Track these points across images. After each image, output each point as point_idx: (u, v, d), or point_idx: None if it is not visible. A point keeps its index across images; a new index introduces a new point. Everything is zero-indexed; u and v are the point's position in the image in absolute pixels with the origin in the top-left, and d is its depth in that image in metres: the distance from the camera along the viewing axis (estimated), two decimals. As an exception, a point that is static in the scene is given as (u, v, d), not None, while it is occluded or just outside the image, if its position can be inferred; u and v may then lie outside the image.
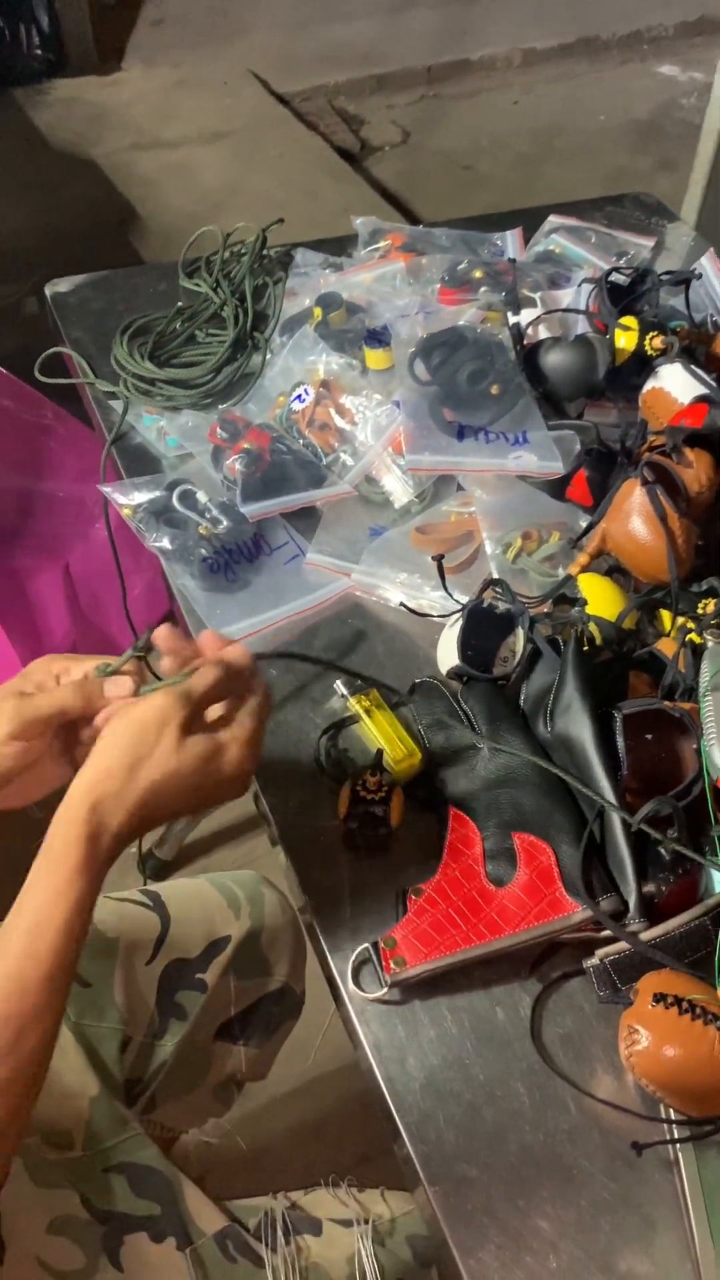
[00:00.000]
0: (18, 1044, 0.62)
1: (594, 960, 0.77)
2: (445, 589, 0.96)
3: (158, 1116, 1.07)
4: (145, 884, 1.17)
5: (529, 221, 1.50)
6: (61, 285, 1.38)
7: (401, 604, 0.99)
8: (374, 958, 0.77)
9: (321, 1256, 0.89)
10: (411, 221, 1.47)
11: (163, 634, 0.76)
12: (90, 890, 0.67)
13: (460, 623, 0.92)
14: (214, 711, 0.75)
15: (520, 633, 0.91)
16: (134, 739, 0.69)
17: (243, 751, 0.72)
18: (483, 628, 0.93)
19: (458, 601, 0.95)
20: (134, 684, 0.75)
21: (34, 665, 0.78)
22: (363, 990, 0.77)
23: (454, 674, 0.92)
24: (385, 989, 0.76)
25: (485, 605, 0.93)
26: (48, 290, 1.37)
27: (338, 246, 1.43)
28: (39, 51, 3.99)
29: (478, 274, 1.27)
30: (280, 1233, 0.90)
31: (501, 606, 0.93)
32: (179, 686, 0.71)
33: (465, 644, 0.92)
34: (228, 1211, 0.91)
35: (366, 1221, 0.92)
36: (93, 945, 0.97)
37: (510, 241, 1.46)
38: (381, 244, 1.41)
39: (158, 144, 3.76)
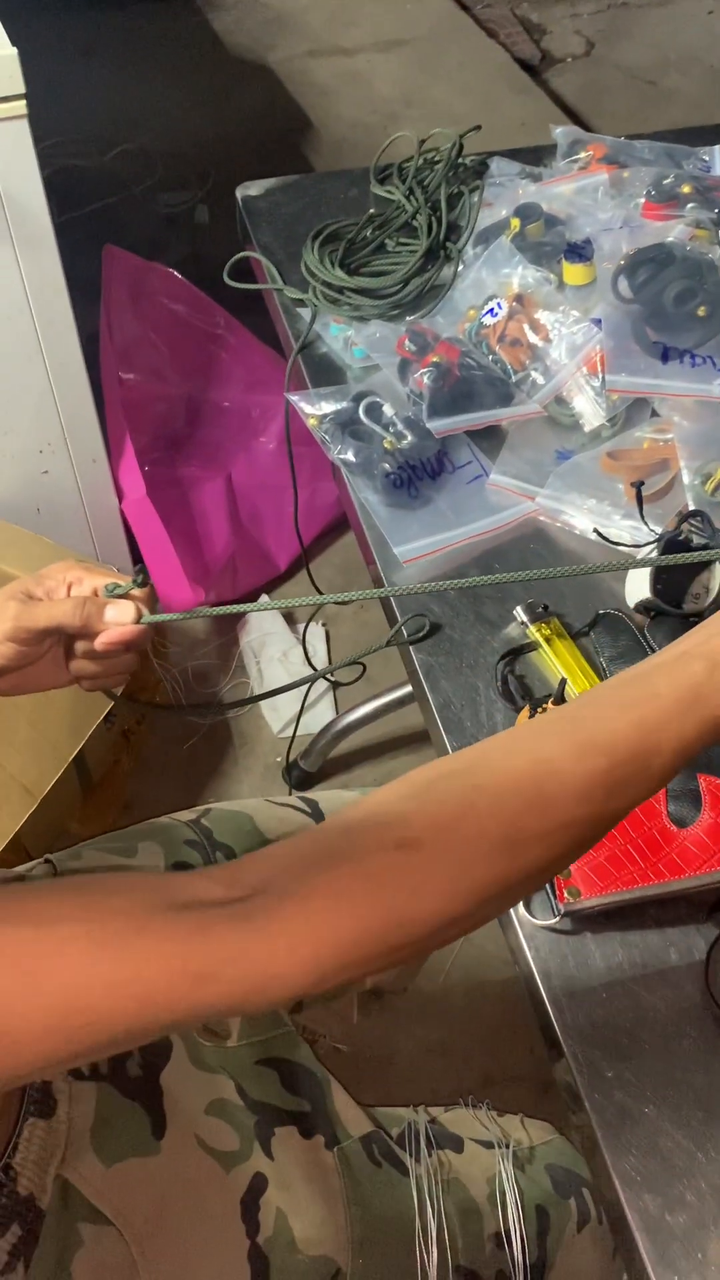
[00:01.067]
0: (519, 852, 0.55)
1: (776, 910, 0.74)
2: (642, 517, 0.92)
3: (302, 1018, 1.10)
4: (290, 794, 1.19)
5: (736, 136, 1.41)
6: (252, 188, 1.36)
7: (595, 530, 0.96)
8: (547, 886, 0.76)
9: (462, 1173, 0.90)
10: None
11: None
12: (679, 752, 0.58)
13: (654, 554, 0.88)
14: None
15: (718, 569, 0.88)
16: None
17: None
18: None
19: (653, 531, 0.92)
20: (137, 611, 0.74)
21: (51, 569, 0.78)
22: (534, 917, 0.76)
23: (642, 608, 0.89)
24: (557, 917, 0.75)
25: (681, 538, 0.89)
26: (239, 193, 1.36)
27: (534, 157, 1.38)
28: (220, -48, 3.92)
29: (686, 189, 1.20)
30: (423, 1144, 0.91)
31: (698, 540, 0.89)
32: None
33: (657, 577, 0.88)
34: (373, 1117, 0.93)
35: (507, 1145, 0.93)
36: (253, 844, 1.00)
37: (718, 156, 1.38)
38: (581, 155, 1.34)
39: (334, 51, 3.68)
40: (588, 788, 0.55)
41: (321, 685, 1.91)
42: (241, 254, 1.29)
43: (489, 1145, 0.93)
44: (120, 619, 0.74)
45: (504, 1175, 0.90)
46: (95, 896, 0.50)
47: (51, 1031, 0.46)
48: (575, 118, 3.49)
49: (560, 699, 0.83)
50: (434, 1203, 0.86)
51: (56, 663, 0.79)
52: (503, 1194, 0.89)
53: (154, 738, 1.87)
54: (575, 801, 0.55)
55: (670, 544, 0.88)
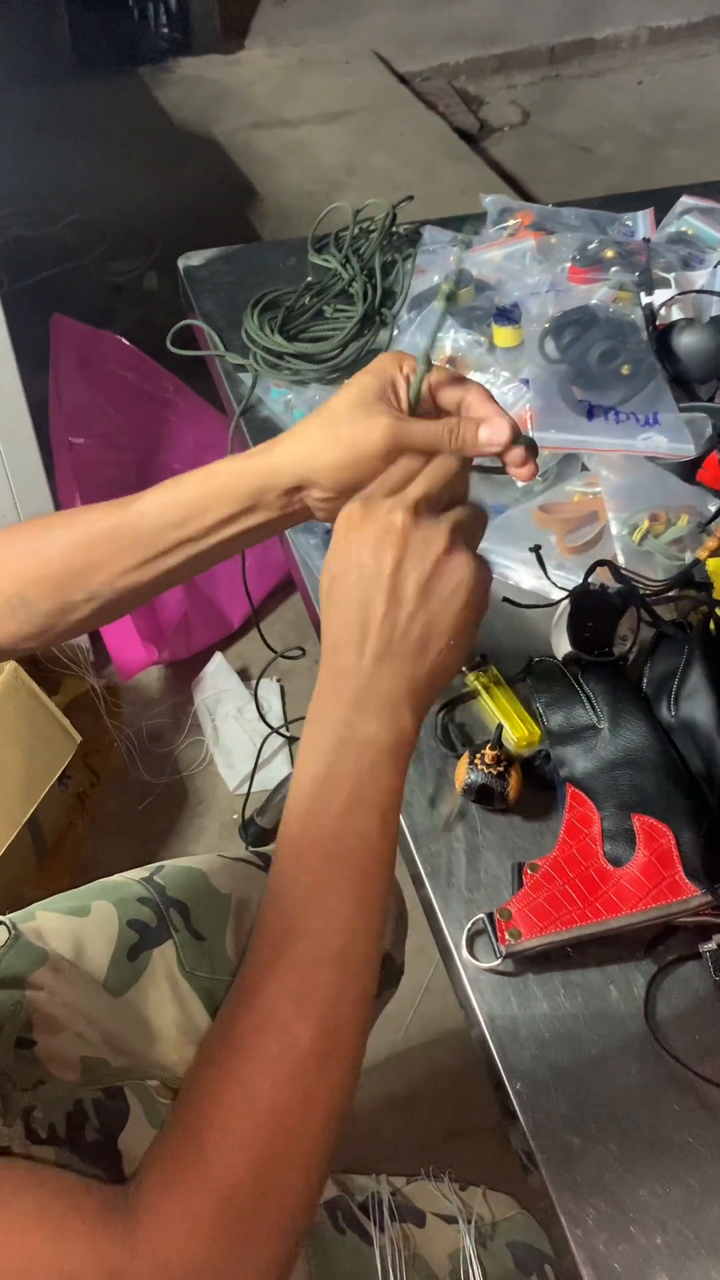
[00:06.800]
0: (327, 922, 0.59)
1: (711, 945, 0.76)
2: (547, 577, 0.96)
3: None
4: (246, 850, 1.19)
5: (660, 202, 1.47)
6: (194, 258, 1.40)
7: (505, 599, 0.99)
8: (489, 928, 0.78)
9: (424, 1248, 0.89)
10: (530, 203, 1.47)
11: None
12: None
13: (569, 609, 0.91)
14: None
15: (633, 613, 0.91)
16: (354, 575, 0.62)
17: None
18: (598, 608, 0.93)
19: (561, 589, 0.95)
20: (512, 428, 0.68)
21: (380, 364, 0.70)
22: (477, 960, 0.78)
23: (570, 660, 0.92)
24: (499, 959, 0.77)
25: (596, 587, 0.93)
26: (180, 263, 1.40)
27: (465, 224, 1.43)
28: (165, 30, 4.06)
29: (609, 253, 1.25)
30: (386, 1215, 0.91)
31: (612, 587, 0.93)
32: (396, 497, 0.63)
33: (579, 628, 0.92)
34: (338, 1182, 0.92)
35: (469, 1221, 0.93)
36: (207, 900, 1.00)
37: (641, 222, 1.44)
38: (510, 222, 1.40)
39: (278, 123, 3.79)
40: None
41: (276, 740, 1.92)
42: (184, 322, 1.32)
43: (451, 1220, 0.93)
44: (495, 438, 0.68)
45: (468, 1252, 0.90)
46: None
47: None
48: (514, 184, 3.62)
49: (498, 743, 0.86)
50: (397, 1273, 0.86)
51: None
52: (467, 1271, 0.88)
53: (109, 799, 1.87)
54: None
55: (579, 599, 0.91)
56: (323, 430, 0.69)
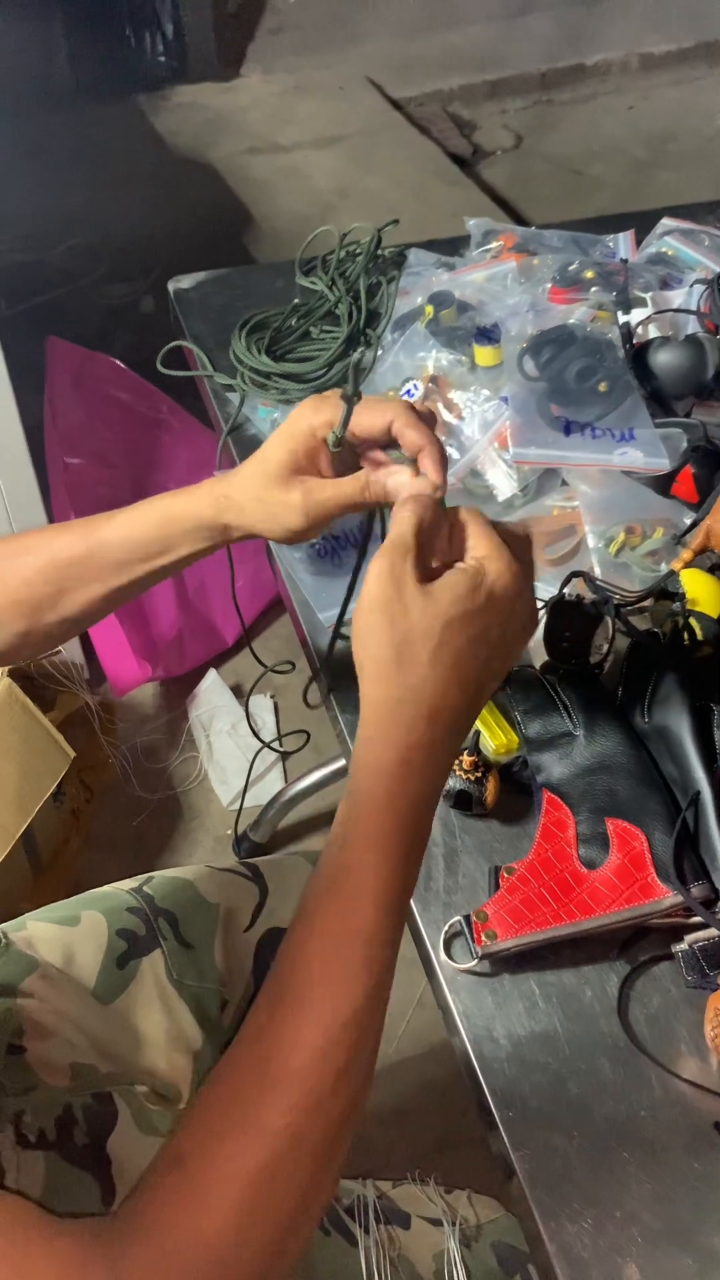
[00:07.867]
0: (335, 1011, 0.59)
1: (683, 945, 0.78)
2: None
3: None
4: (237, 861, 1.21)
5: (641, 224, 1.51)
6: (184, 281, 1.43)
7: None
8: (466, 930, 0.79)
9: (409, 1250, 0.91)
10: (521, 225, 1.50)
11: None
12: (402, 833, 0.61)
13: (545, 620, 0.94)
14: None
15: (608, 622, 0.93)
16: (381, 619, 0.60)
17: (511, 568, 0.63)
18: (575, 618, 0.95)
19: (540, 600, 0.97)
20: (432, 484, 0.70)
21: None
22: (454, 961, 0.80)
23: (547, 669, 0.94)
24: (476, 960, 0.78)
25: (573, 598, 0.95)
26: (171, 286, 1.43)
27: (450, 247, 1.46)
28: (162, 59, 4.12)
29: (589, 274, 1.28)
30: (372, 1217, 0.92)
31: (588, 598, 0.95)
32: (390, 539, 0.63)
33: (557, 636, 0.94)
34: None
35: (454, 1223, 0.94)
36: (195, 909, 1.02)
37: (622, 243, 1.47)
38: (493, 244, 1.43)
39: (273, 148, 3.85)
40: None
41: (270, 756, 1.94)
42: (174, 343, 1.35)
43: (436, 1223, 0.94)
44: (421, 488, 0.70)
45: (452, 1253, 0.91)
46: None
47: None
48: (506, 206, 3.67)
49: (475, 750, 0.88)
50: (381, 1274, 0.87)
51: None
52: (451, 1272, 0.90)
53: (104, 815, 1.88)
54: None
55: (556, 608, 0.93)
56: (250, 489, 0.77)
